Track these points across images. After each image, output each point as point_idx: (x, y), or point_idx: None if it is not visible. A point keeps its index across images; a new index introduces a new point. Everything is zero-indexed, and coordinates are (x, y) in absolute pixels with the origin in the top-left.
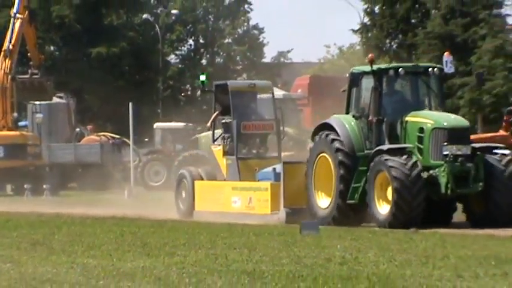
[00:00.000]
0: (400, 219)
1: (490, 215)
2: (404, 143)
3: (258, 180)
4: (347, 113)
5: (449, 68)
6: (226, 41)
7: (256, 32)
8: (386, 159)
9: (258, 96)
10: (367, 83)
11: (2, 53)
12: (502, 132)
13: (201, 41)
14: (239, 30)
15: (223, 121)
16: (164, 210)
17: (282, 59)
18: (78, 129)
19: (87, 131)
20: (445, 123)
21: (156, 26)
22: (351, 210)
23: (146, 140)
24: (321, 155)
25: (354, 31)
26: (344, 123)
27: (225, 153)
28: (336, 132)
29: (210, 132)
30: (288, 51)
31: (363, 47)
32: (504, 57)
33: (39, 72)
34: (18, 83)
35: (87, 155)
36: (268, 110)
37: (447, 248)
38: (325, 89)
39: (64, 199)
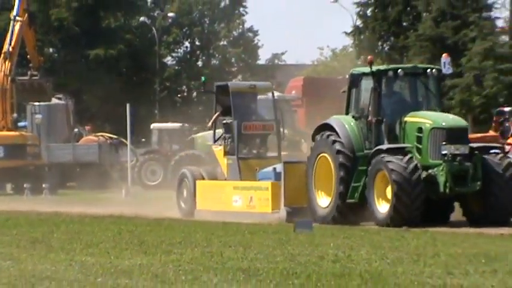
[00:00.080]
0: (400, 217)
1: (488, 214)
2: (403, 142)
3: (259, 180)
4: (347, 113)
5: (447, 69)
6: (222, 43)
7: (251, 34)
8: (385, 159)
9: (258, 97)
10: (367, 84)
11: (2, 55)
12: (492, 133)
13: (197, 43)
14: (234, 32)
15: (224, 121)
16: (161, 209)
17: (276, 61)
18: (76, 130)
19: (85, 132)
20: (444, 123)
21: (153, 28)
22: (351, 209)
23: (143, 140)
24: (321, 155)
25: (347, 33)
26: (344, 123)
27: (226, 153)
28: (336, 132)
29: (206, 133)
30: (282, 54)
31: (355, 49)
32: (494, 59)
33: (38, 73)
34: (18, 84)
35: (86, 154)
36: (268, 111)
37: (438, 246)
38: (318, 91)
39: (63, 198)
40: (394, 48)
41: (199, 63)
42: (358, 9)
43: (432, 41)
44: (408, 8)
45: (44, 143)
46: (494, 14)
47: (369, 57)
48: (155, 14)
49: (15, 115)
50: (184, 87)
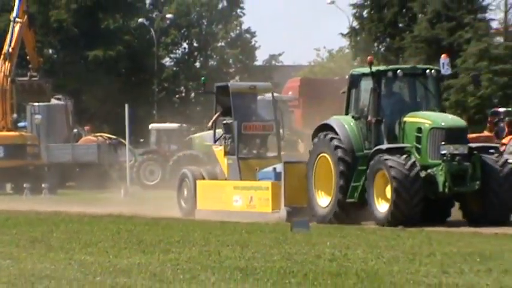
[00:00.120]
0: (399, 217)
1: (487, 213)
2: (403, 142)
3: (259, 180)
4: (346, 113)
5: (446, 70)
6: (219, 44)
7: (248, 35)
8: (385, 159)
9: (258, 97)
10: (366, 85)
11: (2, 56)
12: (486, 133)
13: (195, 44)
14: (232, 34)
15: (224, 122)
16: (161, 209)
17: (273, 62)
18: (75, 130)
19: (84, 132)
20: (443, 123)
21: (151, 29)
22: (351, 208)
23: (142, 140)
24: (321, 155)
25: (343, 35)
26: (343, 123)
27: (226, 153)
28: (336, 132)
29: (204, 133)
30: (279, 55)
31: (351, 50)
32: (488, 60)
33: (38, 74)
34: (18, 85)
35: (85, 155)
36: (268, 111)
37: (433, 245)
38: (315, 91)
39: (62, 198)
40: (390, 49)
41: (197, 64)
42: (355, 11)
43: (428, 42)
44: (404, 10)
45: (43, 143)
46: (489, 15)
47: (369, 57)
48: (153, 16)
49: (15, 115)
50: (182, 88)
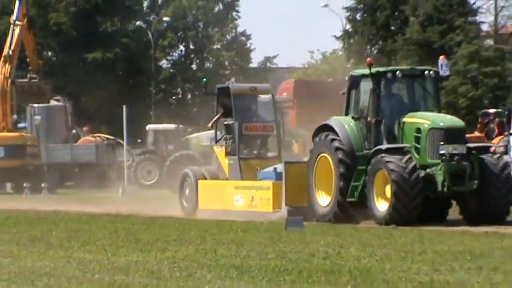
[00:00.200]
0: (399, 216)
1: (485, 212)
2: (402, 143)
3: (260, 180)
4: (346, 114)
5: (444, 71)
6: (215, 47)
7: (243, 38)
8: (385, 159)
9: (259, 98)
10: (366, 86)
11: (2, 58)
12: (477, 134)
13: (192, 46)
14: (227, 36)
15: (225, 123)
16: (163, 208)
17: (268, 64)
18: (74, 131)
19: (83, 132)
20: (442, 124)
21: (149, 32)
22: (351, 207)
23: (139, 141)
24: (321, 155)
25: (337, 37)
26: (343, 124)
27: (227, 153)
28: (336, 133)
29: (200, 133)
30: (274, 57)
31: (345, 52)
32: (479, 63)
33: (37, 76)
34: (18, 86)
35: (83, 155)
36: (269, 112)
37: (425, 243)
38: (309, 93)
39: (61, 197)
40: (383, 51)
41: (194, 66)
42: (348, 14)
43: (419, 45)
44: (396, 13)
45: (43, 143)
46: (479, 18)
47: (368, 59)
48: (151, 19)
49: (15, 116)
50: (179, 89)
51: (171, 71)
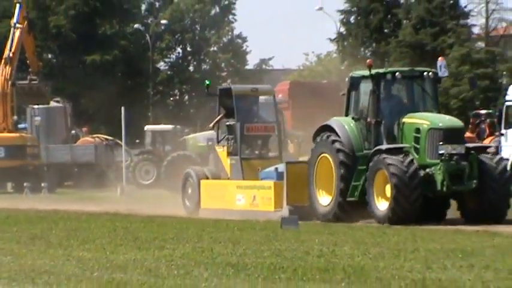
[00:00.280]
0: (398, 215)
1: (484, 211)
2: (402, 143)
3: (261, 179)
4: (346, 115)
5: (443, 72)
6: (212, 49)
7: (239, 40)
8: (385, 158)
9: (260, 99)
10: (366, 87)
11: (3, 61)
12: (468, 134)
13: (189, 49)
14: (224, 39)
15: (227, 123)
16: (155, 207)
17: (263, 66)
18: (74, 131)
19: (82, 133)
20: (441, 124)
21: (147, 35)
22: (351, 207)
23: (137, 141)
24: (322, 155)
25: (331, 40)
26: (344, 124)
27: (229, 153)
28: (336, 133)
29: (197, 134)
30: (269, 59)
31: (339, 54)
32: (470, 65)
33: (37, 78)
34: (18, 88)
35: (83, 155)
36: (270, 113)
37: (417, 241)
38: (304, 94)
39: (61, 196)
40: (376, 53)
41: (191, 68)
42: (342, 17)
43: (412, 47)
44: (389, 16)
45: (43, 144)
46: (470, 21)
47: (368, 60)
48: (149, 21)
49: (15, 117)
50: (176, 91)
51: (169, 72)
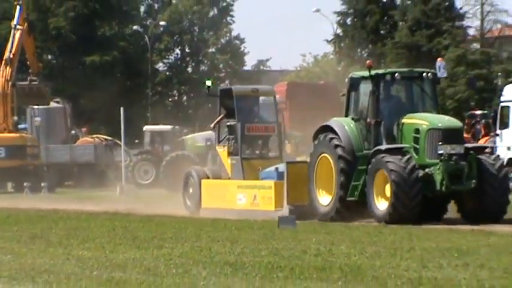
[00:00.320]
0: (398, 214)
1: (482, 211)
2: (401, 143)
3: (262, 179)
4: (346, 115)
5: (442, 73)
6: (210, 50)
7: (237, 42)
8: (385, 159)
9: (260, 100)
10: (365, 88)
11: (3, 62)
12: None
13: (187, 50)
14: (222, 40)
15: (228, 123)
16: (153, 206)
17: (261, 67)
18: (73, 132)
19: (81, 133)
20: (440, 124)
21: (146, 36)
22: (351, 206)
23: (136, 141)
24: (322, 155)
25: (328, 41)
26: (344, 125)
27: (230, 153)
28: (336, 133)
29: (195, 134)
30: (267, 60)
31: (336, 55)
32: (465, 66)
33: (37, 79)
34: (18, 89)
35: (82, 155)
36: (270, 113)
37: (413, 240)
38: (301, 95)
39: (61, 196)
40: (372, 55)
41: (189, 69)
42: (339, 18)
43: (408, 48)
44: (385, 18)
45: (42, 144)
46: (466, 23)
47: (368, 61)
48: (147, 23)
49: (15, 118)
50: (175, 91)
51: (167, 73)
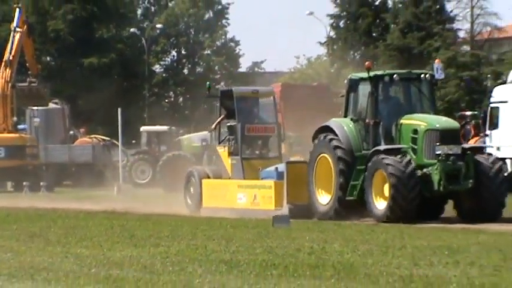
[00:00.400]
0: (396, 214)
1: (479, 210)
2: (399, 143)
3: (262, 179)
4: (345, 116)
5: (439, 74)
6: (206, 52)
7: (233, 44)
8: (383, 159)
9: (260, 101)
10: (364, 89)
11: (3, 63)
12: None
13: (183, 52)
14: (217, 42)
15: (228, 124)
16: (150, 205)
17: (256, 69)
18: (72, 132)
19: (80, 134)
20: (437, 125)
21: (143, 38)
22: (350, 206)
23: (133, 141)
24: (321, 155)
25: (321, 43)
26: (343, 125)
27: (230, 153)
28: (336, 134)
29: (192, 135)
30: (262, 62)
31: (329, 57)
32: (456, 68)
33: (36, 80)
34: (18, 90)
35: (80, 155)
36: (270, 114)
37: (405, 239)
38: (295, 96)
39: (59, 195)
40: (365, 57)
41: (185, 70)
42: (332, 21)
43: (399, 51)
44: (377, 20)
45: (41, 144)
46: (456, 25)
47: (367, 63)
48: (144, 25)
49: (15, 118)
50: (171, 93)
51: (164, 75)
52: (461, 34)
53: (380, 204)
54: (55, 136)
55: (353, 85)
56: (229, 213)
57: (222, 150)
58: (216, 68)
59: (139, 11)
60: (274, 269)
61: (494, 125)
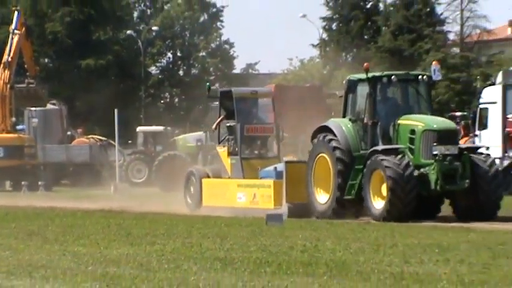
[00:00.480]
0: (394, 213)
1: (475, 210)
2: (397, 143)
3: (261, 178)
4: (344, 116)
5: (437, 76)
6: (201, 54)
7: (227, 46)
8: (381, 159)
9: (259, 101)
10: (363, 90)
11: (2, 65)
12: None
13: (179, 54)
14: (212, 44)
15: (228, 124)
16: (146, 204)
17: (250, 70)
18: (69, 132)
19: (77, 134)
20: (435, 126)
21: (139, 40)
22: (348, 205)
23: (130, 142)
24: (320, 155)
25: (314, 45)
26: (341, 125)
27: (230, 153)
28: (334, 134)
29: (187, 135)
30: (256, 63)
31: (321, 59)
32: (446, 69)
33: (34, 81)
34: (16, 91)
35: (78, 155)
36: (268, 115)
37: (396, 237)
38: (288, 97)
39: (57, 194)
40: (356, 59)
41: (181, 72)
42: (324, 24)
43: (391, 52)
44: (369, 23)
45: (39, 144)
46: (446, 28)
47: (365, 64)
48: (141, 28)
49: (13, 119)
50: (167, 94)
51: (160, 76)
52: (451, 36)
53: (378, 204)
54: (53, 136)
55: (351, 86)
56: (229, 212)
57: (222, 150)
58: (211, 69)
59: (135, 14)
60: (267, 266)
61: (483, 126)
